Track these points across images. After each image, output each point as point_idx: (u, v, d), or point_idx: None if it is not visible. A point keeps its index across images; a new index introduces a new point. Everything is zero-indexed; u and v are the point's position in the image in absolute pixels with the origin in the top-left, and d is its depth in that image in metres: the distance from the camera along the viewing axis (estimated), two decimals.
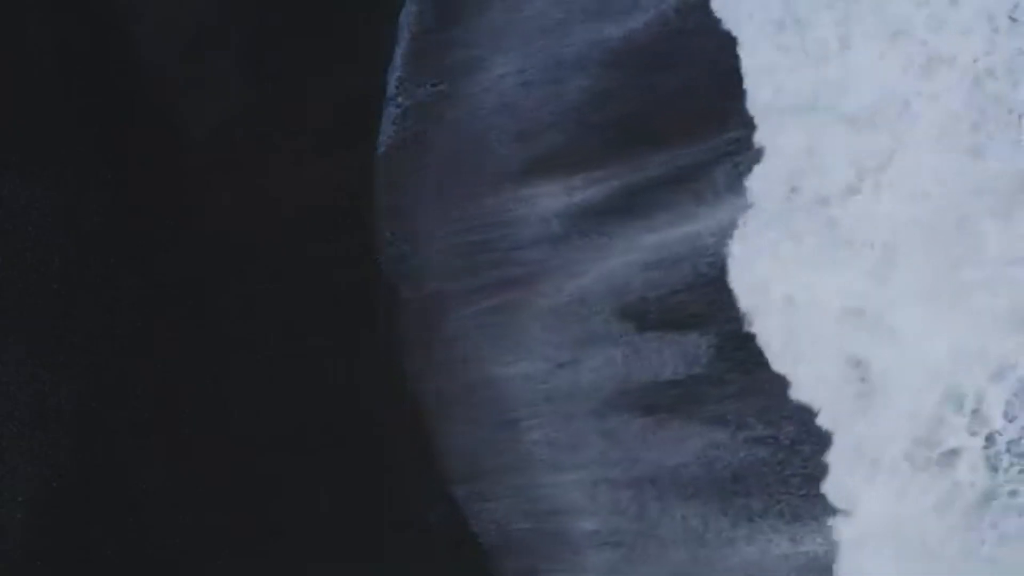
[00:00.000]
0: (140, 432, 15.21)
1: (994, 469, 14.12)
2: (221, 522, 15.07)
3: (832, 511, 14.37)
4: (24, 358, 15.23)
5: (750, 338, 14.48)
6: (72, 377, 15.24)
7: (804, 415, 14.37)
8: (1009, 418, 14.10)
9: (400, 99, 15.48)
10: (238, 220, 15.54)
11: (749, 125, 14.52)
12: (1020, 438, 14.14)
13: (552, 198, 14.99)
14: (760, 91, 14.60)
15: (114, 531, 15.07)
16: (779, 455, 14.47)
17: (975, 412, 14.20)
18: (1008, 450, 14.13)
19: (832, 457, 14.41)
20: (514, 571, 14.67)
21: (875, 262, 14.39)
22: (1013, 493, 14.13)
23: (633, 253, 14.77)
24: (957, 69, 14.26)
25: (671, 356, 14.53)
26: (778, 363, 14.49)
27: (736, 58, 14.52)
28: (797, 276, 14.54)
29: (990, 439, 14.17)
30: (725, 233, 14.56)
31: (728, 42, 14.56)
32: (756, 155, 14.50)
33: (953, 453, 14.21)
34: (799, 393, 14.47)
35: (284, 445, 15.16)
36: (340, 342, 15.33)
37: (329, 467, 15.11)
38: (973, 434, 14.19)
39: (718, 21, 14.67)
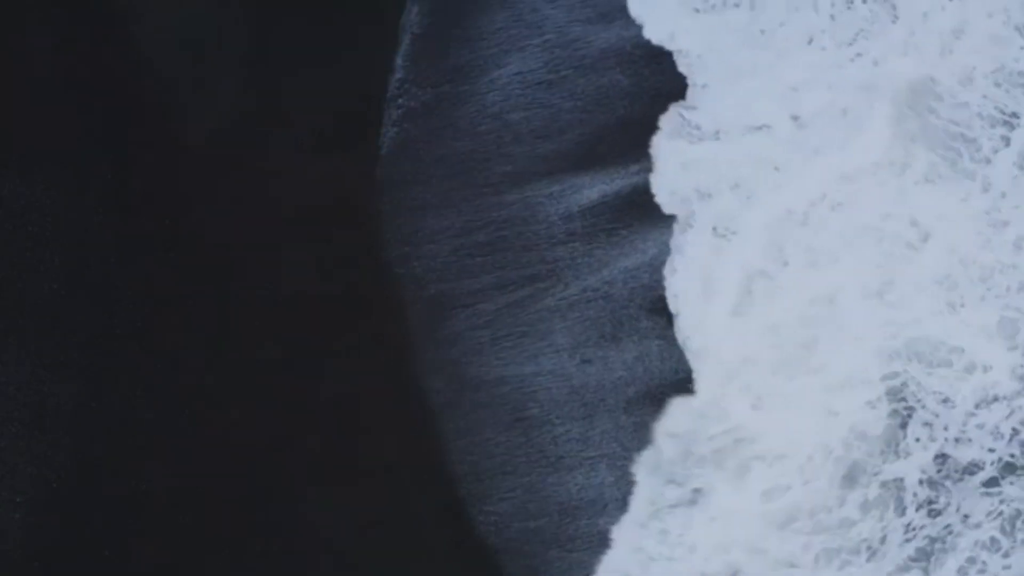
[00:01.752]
0: (140, 432, 15.19)
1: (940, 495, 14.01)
2: (221, 522, 15.05)
3: None
4: (24, 358, 15.22)
5: None
6: (72, 377, 15.23)
7: None
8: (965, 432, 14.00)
9: (401, 100, 15.50)
10: (238, 220, 15.54)
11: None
12: (979, 459, 13.96)
13: (572, 195, 15.02)
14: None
15: (114, 531, 15.05)
16: None
17: (927, 424, 14.13)
18: (961, 472, 14.00)
19: None
20: (521, 571, 14.68)
21: (828, 256, 14.43)
22: (967, 519, 13.88)
23: (659, 247, 14.80)
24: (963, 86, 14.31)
25: None
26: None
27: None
28: (748, 275, 14.61)
29: (941, 458, 14.12)
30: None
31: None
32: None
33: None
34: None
35: (284, 445, 15.15)
36: (340, 342, 15.33)
37: (329, 467, 15.11)
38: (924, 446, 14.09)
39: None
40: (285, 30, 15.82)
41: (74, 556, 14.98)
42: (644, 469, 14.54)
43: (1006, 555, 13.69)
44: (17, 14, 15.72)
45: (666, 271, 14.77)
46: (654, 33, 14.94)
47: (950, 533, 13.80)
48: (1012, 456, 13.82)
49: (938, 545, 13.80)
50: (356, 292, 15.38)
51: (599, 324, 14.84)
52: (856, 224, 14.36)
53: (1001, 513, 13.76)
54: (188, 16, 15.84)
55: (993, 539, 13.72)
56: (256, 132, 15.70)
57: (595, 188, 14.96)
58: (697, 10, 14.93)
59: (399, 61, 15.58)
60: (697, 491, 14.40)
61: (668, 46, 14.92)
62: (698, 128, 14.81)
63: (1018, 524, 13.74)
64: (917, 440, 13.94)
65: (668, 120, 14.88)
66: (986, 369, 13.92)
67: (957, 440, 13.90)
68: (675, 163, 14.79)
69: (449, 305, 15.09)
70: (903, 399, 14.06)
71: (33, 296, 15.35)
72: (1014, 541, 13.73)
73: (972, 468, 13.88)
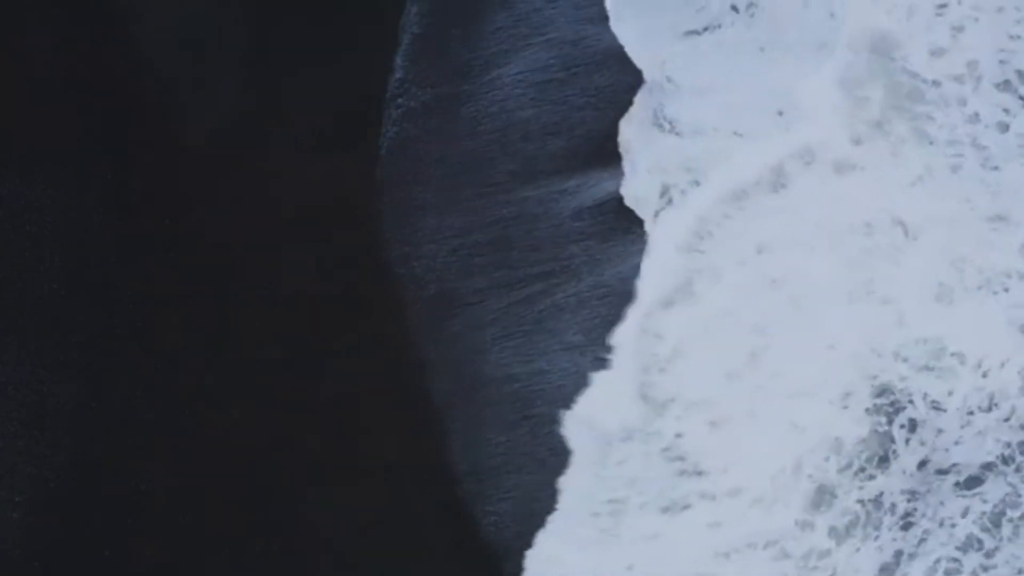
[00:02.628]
0: (140, 432, 15.19)
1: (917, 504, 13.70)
2: (221, 522, 15.06)
3: None
4: (24, 358, 15.22)
5: None
6: (72, 377, 15.23)
7: None
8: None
9: (401, 100, 15.51)
10: (238, 220, 15.55)
11: None
12: (959, 462, 13.65)
13: (585, 191, 15.00)
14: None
15: (113, 531, 15.05)
16: None
17: (912, 422, 13.84)
18: (944, 476, 13.74)
19: None
20: (522, 571, 14.68)
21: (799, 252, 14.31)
22: (943, 523, 13.63)
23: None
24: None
25: None
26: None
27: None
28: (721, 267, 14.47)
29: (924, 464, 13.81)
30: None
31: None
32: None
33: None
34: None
35: (284, 445, 15.16)
36: (340, 342, 15.34)
37: (329, 467, 15.12)
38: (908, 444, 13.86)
39: None
40: (285, 30, 15.83)
41: (74, 556, 14.98)
42: (574, 471, 14.40)
43: (989, 555, 13.53)
44: (17, 14, 15.73)
45: (642, 266, 14.75)
46: (641, 61, 14.86)
47: (923, 540, 13.59)
48: (994, 456, 13.64)
49: (904, 557, 13.58)
50: (356, 292, 15.39)
51: (611, 321, 14.82)
52: (837, 222, 14.20)
53: (983, 513, 13.57)
54: (188, 16, 15.85)
55: (971, 536, 13.50)
56: (256, 132, 15.71)
57: (611, 183, 14.95)
58: (695, 32, 14.84)
59: (399, 61, 15.59)
60: (621, 503, 14.22)
61: (655, 76, 14.89)
62: (673, 123, 14.75)
63: (1003, 522, 13.60)
64: (906, 443, 13.74)
65: (641, 111, 14.83)
66: (985, 371, 13.81)
67: (948, 446, 13.73)
68: (646, 155, 14.69)
69: (452, 304, 15.08)
70: (888, 404, 13.86)
71: (33, 296, 15.35)
72: (999, 539, 13.59)
73: (956, 471, 13.71)
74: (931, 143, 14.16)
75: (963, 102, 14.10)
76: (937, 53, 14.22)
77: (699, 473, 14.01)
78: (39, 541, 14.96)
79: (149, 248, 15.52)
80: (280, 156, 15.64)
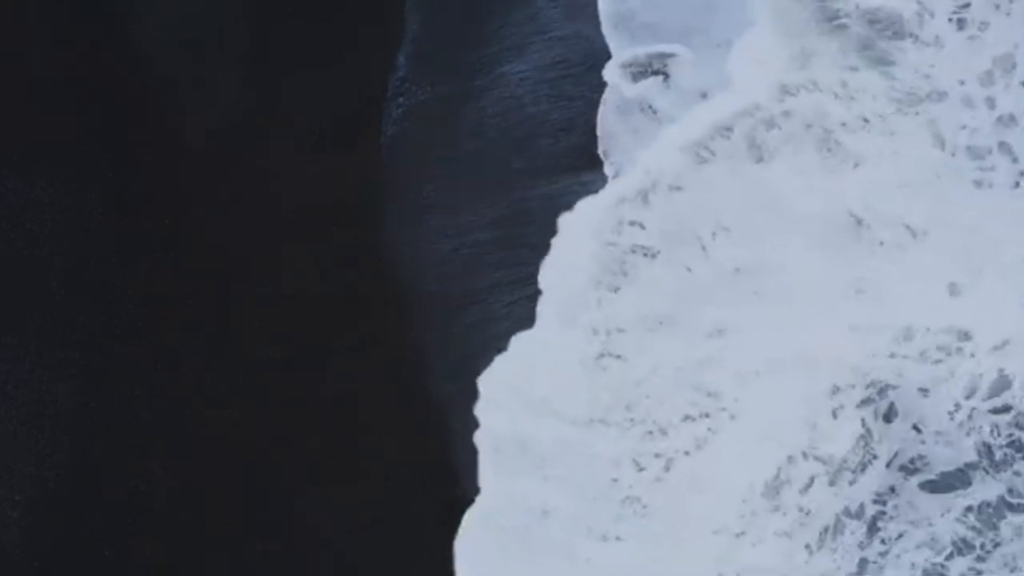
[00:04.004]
0: (140, 432, 15.18)
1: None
2: (221, 522, 15.03)
3: None
4: (23, 357, 15.23)
5: None
6: (71, 376, 15.22)
7: None
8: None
9: (402, 99, 15.52)
10: (238, 220, 15.56)
11: None
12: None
13: (596, 187, 14.94)
14: None
15: (113, 531, 15.03)
16: None
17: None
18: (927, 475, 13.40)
19: None
20: None
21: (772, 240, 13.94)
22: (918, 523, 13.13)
23: None
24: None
25: None
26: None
27: None
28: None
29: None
30: None
31: None
32: None
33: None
34: None
35: (284, 445, 15.14)
36: (340, 342, 15.33)
37: (329, 467, 15.10)
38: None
39: None
40: (285, 30, 15.85)
41: (74, 556, 14.96)
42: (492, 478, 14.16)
43: (980, 559, 12.87)
44: (17, 14, 15.75)
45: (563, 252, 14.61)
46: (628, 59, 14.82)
47: (895, 543, 13.10)
48: (995, 454, 13.23)
49: (873, 565, 13.15)
50: (356, 292, 15.38)
51: None
52: (820, 214, 13.79)
53: (970, 508, 12.97)
54: (188, 16, 15.87)
55: (962, 540, 13.02)
56: (256, 132, 15.72)
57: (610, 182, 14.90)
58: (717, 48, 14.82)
59: (400, 60, 15.61)
60: (547, 513, 14.01)
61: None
62: (656, 113, 14.70)
63: (1000, 524, 12.99)
64: (894, 445, 13.32)
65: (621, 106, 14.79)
66: (994, 356, 13.30)
67: (946, 447, 13.33)
68: (629, 152, 14.56)
69: (454, 303, 15.05)
70: (879, 404, 13.27)
71: (33, 296, 15.35)
72: (995, 540, 13.03)
73: (953, 472, 13.32)
74: (942, 141, 13.86)
75: (991, 103, 13.77)
76: (953, 48, 13.97)
77: (644, 507, 13.45)
78: (39, 541, 14.94)
79: (149, 248, 15.53)
80: (280, 156, 15.65)
